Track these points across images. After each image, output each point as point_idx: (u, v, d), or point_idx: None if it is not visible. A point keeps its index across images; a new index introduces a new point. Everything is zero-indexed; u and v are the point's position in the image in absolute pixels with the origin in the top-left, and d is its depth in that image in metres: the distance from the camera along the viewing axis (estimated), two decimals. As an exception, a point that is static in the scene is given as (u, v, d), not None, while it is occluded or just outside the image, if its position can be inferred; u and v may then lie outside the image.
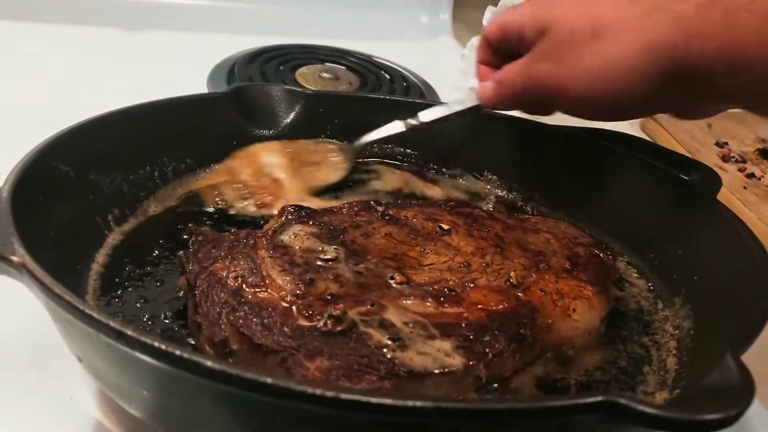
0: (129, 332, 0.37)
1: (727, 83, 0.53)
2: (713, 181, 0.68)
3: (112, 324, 0.37)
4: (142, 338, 0.37)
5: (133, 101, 0.70)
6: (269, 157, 0.76)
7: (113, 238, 0.63)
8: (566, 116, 0.71)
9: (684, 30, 0.52)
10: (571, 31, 0.58)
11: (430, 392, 0.48)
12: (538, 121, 0.77)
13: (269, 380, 0.35)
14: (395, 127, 0.76)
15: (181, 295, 0.57)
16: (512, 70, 0.64)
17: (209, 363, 0.36)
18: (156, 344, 0.36)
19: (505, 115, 0.76)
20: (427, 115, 0.74)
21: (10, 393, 0.53)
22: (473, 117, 0.74)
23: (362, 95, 0.87)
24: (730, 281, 0.56)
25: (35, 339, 0.56)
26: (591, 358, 0.57)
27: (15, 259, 0.42)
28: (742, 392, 0.38)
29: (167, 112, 0.71)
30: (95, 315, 0.38)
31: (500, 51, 0.68)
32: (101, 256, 0.61)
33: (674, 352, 0.58)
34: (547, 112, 0.69)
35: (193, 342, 0.52)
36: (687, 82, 0.54)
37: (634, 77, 0.55)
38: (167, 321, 0.54)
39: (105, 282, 0.58)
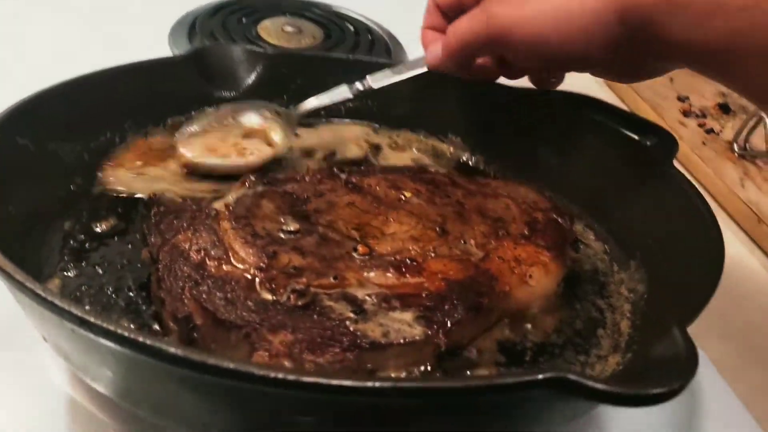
0: (92, 319, 0.37)
1: (670, 29, 0.52)
2: (671, 145, 0.69)
3: (74, 311, 0.38)
4: (105, 325, 0.37)
5: (92, 60, 0.68)
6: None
7: (76, 209, 0.63)
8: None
9: None
10: None
11: (392, 362, 0.49)
12: (501, 83, 0.77)
13: (229, 365, 0.36)
14: (341, 92, 0.74)
15: (144, 265, 0.57)
16: (461, 20, 0.62)
17: (172, 349, 0.36)
18: (119, 331, 0.37)
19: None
20: (375, 80, 0.73)
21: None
22: (434, 79, 0.74)
23: (325, 55, 0.86)
24: (682, 249, 0.58)
25: (3, 313, 0.55)
26: (548, 320, 0.59)
27: (-27, 244, 0.42)
28: (687, 365, 0.40)
29: (127, 78, 0.70)
30: (57, 302, 0.38)
31: (450, 13, 0.66)
32: (64, 228, 0.60)
33: (628, 315, 0.60)
34: (500, 71, 0.68)
35: (156, 317, 0.52)
36: (640, 32, 0.54)
37: (587, 20, 0.55)
38: (131, 294, 0.55)
39: (69, 254, 0.58)
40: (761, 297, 0.77)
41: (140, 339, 0.37)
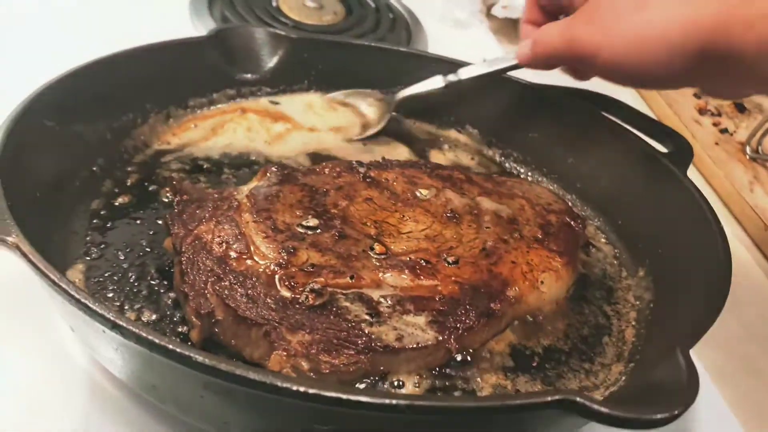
0: (123, 323, 0.39)
1: (764, 70, 0.52)
2: (687, 153, 0.70)
3: (107, 315, 0.39)
4: (136, 330, 0.39)
5: (113, 36, 0.68)
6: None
7: (100, 189, 0.64)
8: (553, 76, 0.72)
9: (728, 15, 0.52)
10: None
11: (404, 365, 0.51)
12: (522, 80, 0.78)
13: (253, 376, 0.38)
14: (434, 83, 0.78)
15: (164, 250, 0.59)
16: (551, 29, 0.64)
17: (200, 358, 0.38)
18: (150, 337, 0.38)
19: (489, 72, 0.76)
20: (467, 72, 0.76)
21: (5, 344, 0.55)
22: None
23: (348, 42, 0.85)
24: (690, 263, 0.60)
25: (28, 290, 0.54)
26: (557, 324, 0.61)
27: (9, 239, 0.43)
28: (688, 391, 0.42)
29: (148, 58, 0.70)
30: (90, 304, 0.40)
31: (548, 10, 0.71)
32: (87, 210, 0.62)
33: (633, 323, 0.62)
34: (582, 76, 0.71)
35: (176, 306, 0.54)
36: (722, 64, 0.54)
37: (670, 51, 0.55)
38: (153, 282, 0.56)
39: (92, 237, 0.59)
40: (761, 304, 0.78)
41: (171, 346, 0.38)
